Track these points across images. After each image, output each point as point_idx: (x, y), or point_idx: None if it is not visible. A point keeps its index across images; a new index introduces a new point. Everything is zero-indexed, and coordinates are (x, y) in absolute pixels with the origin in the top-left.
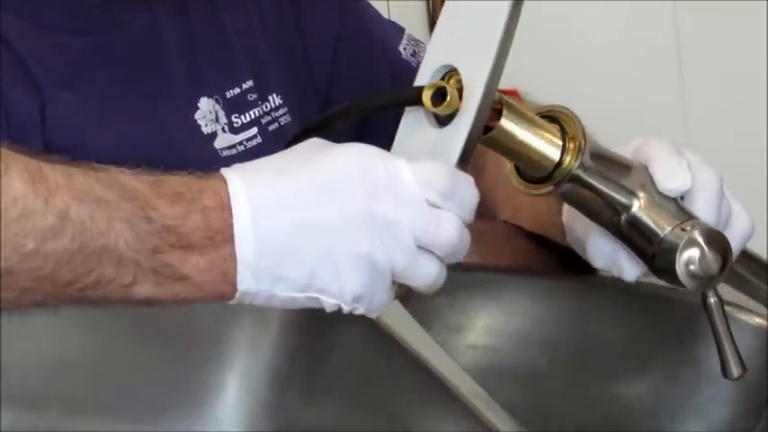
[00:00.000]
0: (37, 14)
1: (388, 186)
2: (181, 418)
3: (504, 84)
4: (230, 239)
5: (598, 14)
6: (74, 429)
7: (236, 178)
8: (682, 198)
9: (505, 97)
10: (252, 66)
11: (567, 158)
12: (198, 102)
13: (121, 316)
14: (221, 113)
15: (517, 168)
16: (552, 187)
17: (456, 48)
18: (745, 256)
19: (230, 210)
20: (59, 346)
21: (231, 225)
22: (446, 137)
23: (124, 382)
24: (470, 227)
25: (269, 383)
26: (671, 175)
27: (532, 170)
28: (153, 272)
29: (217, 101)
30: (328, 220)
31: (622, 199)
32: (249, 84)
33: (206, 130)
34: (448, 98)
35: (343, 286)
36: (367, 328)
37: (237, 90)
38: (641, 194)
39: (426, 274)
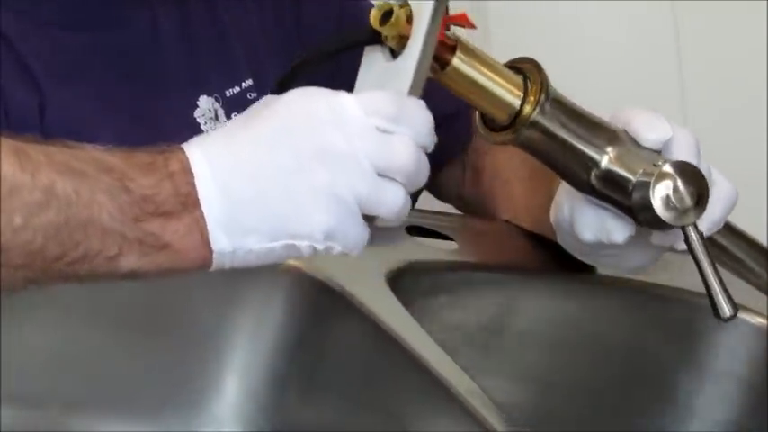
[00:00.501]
0: (36, 12)
1: (334, 120)
2: (179, 417)
3: None
4: (198, 201)
5: (596, 14)
6: (73, 429)
7: (193, 144)
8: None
9: (464, 39)
10: (251, 65)
11: (528, 107)
12: (197, 100)
13: (121, 315)
14: (221, 112)
15: (483, 118)
16: (513, 135)
17: None
18: (746, 240)
19: (192, 173)
20: (58, 345)
21: (193, 186)
22: (398, 67)
23: (123, 381)
24: (473, 226)
25: (267, 383)
26: (651, 126)
27: (493, 116)
28: (138, 242)
29: (216, 99)
30: (283, 163)
31: (591, 152)
32: (249, 83)
33: (205, 128)
34: (393, 17)
35: (311, 224)
36: (366, 328)
37: (237, 89)
38: (610, 149)
39: (392, 200)
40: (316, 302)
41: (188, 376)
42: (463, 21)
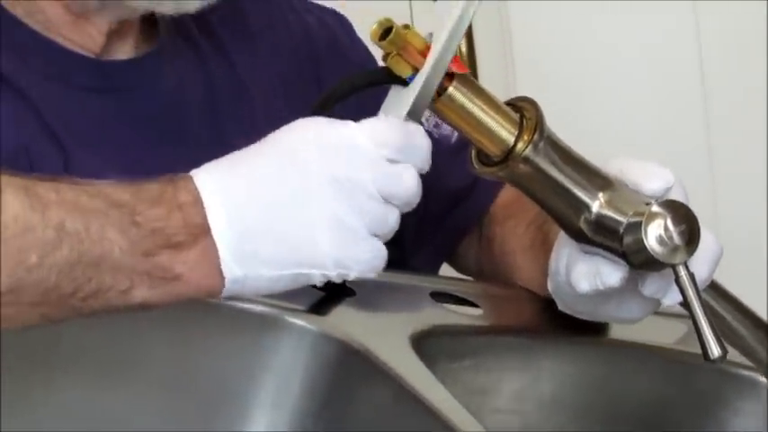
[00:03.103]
0: (63, 75)
1: (345, 151)
2: None
3: None
4: (209, 231)
5: (615, 30)
6: None
7: (201, 172)
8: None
9: (467, 73)
10: (273, 127)
11: (521, 143)
12: None
13: (149, 375)
14: None
15: (478, 154)
16: (505, 170)
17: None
18: (742, 311)
19: (203, 203)
20: (87, 404)
21: (204, 218)
22: (405, 93)
23: None
24: (496, 292)
25: None
26: (654, 175)
27: (487, 150)
28: (148, 275)
29: None
30: (294, 194)
31: (583, 196)
32: None
33: None
34: (392, 33)
35: (321, 253)
36: (390, 389)
37: None
38: (602, 194)
39: (393, 224)
40: (340, 364)
41: None
42: (456, 63)
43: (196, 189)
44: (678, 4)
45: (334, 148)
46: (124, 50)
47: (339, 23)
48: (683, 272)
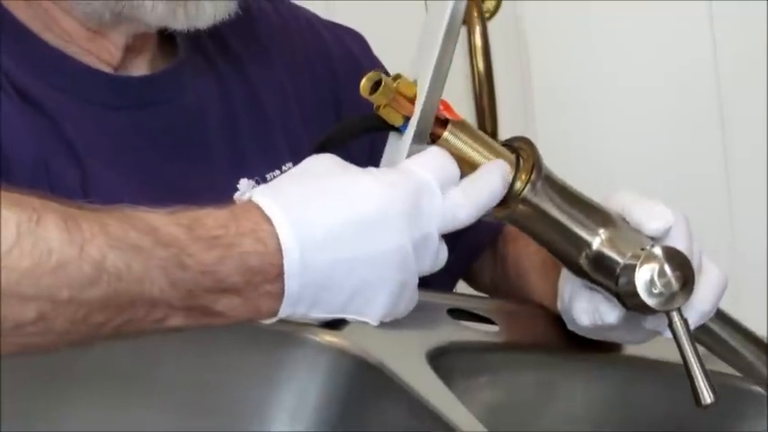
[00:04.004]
0: (82, 90)
1: (428, 210)
2: None
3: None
4: (271, 279)
5: (633, 51)
6: None
7: (278, 213)
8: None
9: (461, 118)
10: (291, 148)
11: (519, 183)
12: (238, 183)
13: (166, 392)
14: None
15: None
16: (504, 211)
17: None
18: (742, 332)
19: (274, 252)
20: (107, 424)
21: (274, 266)
22: (401, 141)
23: None
24: (513, 309)
25: None
26: (654, 215)
27: None
28: (185, 309)
29: (257, 182)
30: (367, 256)
31: (583, 234)
32: (289, 165)
33: None
34: (382, 86)
35: (373, 310)
36: (407, 405)
37: (277, 172)
38: (602, 231)
39: (442, 262)
40: (357, 380)
41: None
42: (447, 109)
43: (272, 233)
44: (696, 30)
45: (423, 210)
46: (142, 66)
47: (356, 42)
48: (675, 318)
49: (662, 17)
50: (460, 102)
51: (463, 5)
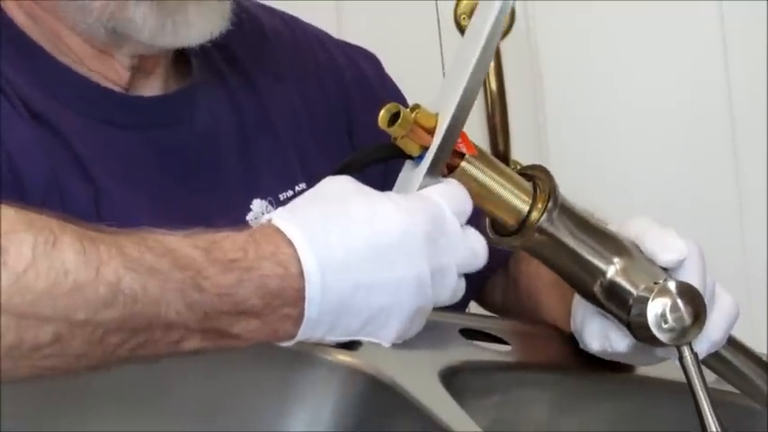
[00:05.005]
0: (93, 110)
1: (444, 240)
2: None
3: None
4: (290, 303)
5: (646, 70)
6: None
7: (300, 237)
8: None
9: (477, 151)
10: (304, 168)
11: (535, 212)
12: (251, 203)
13: (182, 408)
14: None
15: (493, 223)
16: (521, 240)
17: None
18: (754, 359)
19: (295, 275)
20: None
21: (294, 289)
22: (416, 171)
23: None
24: (525, 329)
25: None
26: (667, 247)
27: (502, 220)
28: (202, 332)
29: (270, 203)
30: (387, 281)
31: (598, 262)
32: (302, 186)
33: None
34: (400, 118)
35: (389, 332)
36: (420, 424)
37: (290, 192)
38: (617, 260)
39: (460, 295)
40: (370, 399)
41: None
42: (464, 141)
43: (294, 257)
44: (709, 52)
45: (437, 240)
46: (153, 86)
47: (368, 62)
48: (686, 353)
49: (675, 37)
50: (473, 120)
51: (493, 48)
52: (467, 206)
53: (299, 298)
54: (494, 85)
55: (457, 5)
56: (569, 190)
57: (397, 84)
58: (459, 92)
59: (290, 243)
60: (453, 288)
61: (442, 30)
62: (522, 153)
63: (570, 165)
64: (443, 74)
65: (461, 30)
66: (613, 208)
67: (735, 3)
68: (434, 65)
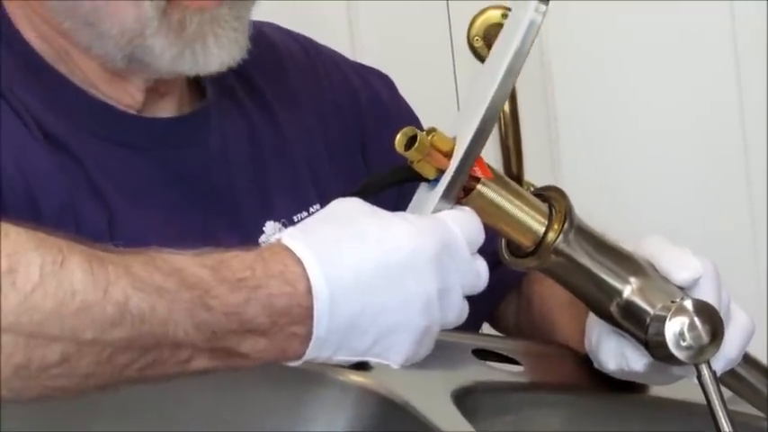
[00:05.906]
0: (108, 132)
1: (454, 263)
2: None
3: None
4: (298, 321)
5: (657, 88)
6: None
7: (309, 256)
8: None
9: (493, 168)
10: (318, 190)
11: (551, 234)
12: (264, 225)
13: (190, 429)
14: None
15: (509, 244)
16: (537, 261)
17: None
18: (757, 367)
19: (303, 294)
20: None
21: (302, 308)
22: (431, 194)
23: None
24: (538, 349)
25: None
26: (682, 266)
27: (518, 242)
28: (209, 351)
29: (284, 224)
30: (396, 301)
31: (614, 282)
32: (316, 207)
33: None
34: (417, 143)
35: (397, 353)
36: None
37: (305, 214)
38: (633, 279)
39: (464, 316)
40: (382, 419)
41: None
42: (480, 167)
43: (302, 276)
44: (722, 74)
45: (443, 261)
46: (168, 109)
47: (382, 84)
48: (705, 371)
49: (688, 58)
50: (486, 142)
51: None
52: (479, 237)
53: (306, 316)
54: (507, 108)
55: (470, 27)
56: (583, 210)
57: (411, 104)
58: (480, 115)
59: (298, 262)
60: (460, 308)
61: (456, 51)
62: (535, 174)
63: (583, 185)
64: (457, 95)
65: (475, 51)
66: (627, 228)
67: (745, 9)
68: (448, 86)
